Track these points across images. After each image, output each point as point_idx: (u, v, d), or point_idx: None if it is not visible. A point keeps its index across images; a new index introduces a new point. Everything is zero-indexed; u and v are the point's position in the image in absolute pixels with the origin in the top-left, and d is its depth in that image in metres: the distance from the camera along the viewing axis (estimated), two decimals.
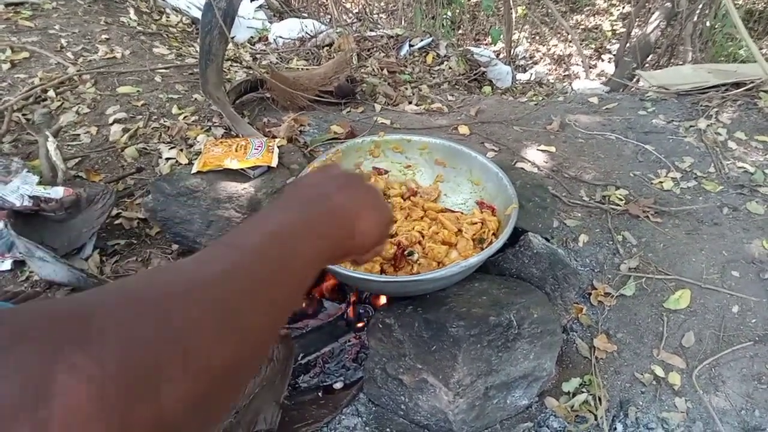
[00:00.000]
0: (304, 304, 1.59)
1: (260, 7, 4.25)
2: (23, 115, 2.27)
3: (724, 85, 2.61)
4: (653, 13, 4.98)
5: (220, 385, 0.33)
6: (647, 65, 4.83)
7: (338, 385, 1.43)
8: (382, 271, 1.34)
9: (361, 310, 1.56)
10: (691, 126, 2.30)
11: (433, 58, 3.55)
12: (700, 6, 4.54)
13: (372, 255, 0.66)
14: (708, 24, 4.81)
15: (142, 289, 0.34)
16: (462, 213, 1.53)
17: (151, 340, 0.30)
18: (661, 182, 1.97)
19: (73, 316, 0.29)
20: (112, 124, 2.28)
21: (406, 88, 2.94)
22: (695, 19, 4.62)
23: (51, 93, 2.41)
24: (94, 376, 0.26)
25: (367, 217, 0.58)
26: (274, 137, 1.99)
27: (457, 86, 3.33)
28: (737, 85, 2.58)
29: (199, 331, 0.33)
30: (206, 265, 0.38)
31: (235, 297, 0.37)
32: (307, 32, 3.75)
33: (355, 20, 4.39)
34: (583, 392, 1.36)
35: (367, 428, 1.31)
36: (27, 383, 0.25)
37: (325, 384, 1.44)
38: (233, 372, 0.35)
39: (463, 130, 2.27)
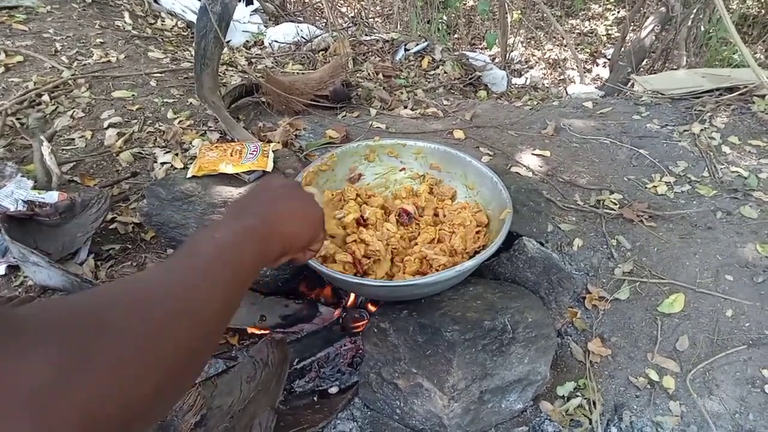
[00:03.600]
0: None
1: (256, 11, 4.26)
2: (17, 119, 2.26)
3: (717, 89, 2.63)
4: (648, 18, 5.01)
5: (182, 368, 0.44)
6: (642, 70, 4.86)
7: (333, 390, 1.43)
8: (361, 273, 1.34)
9: (356, 315, 1.56)
10: (685, 130, 2.31)
11: (428, 62, 3.55)
12: (695, 11, 4.57)
13: (309, 255, 0.81)
14: (702, 28, 4.84)
15: (134, 291, 0.46)
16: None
17: (128, 333, 0.40)
18: (655, 186, 1.98)
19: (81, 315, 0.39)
20: (107, 128, 2.27)
21: (402, 93, 2.95)
22: (689, 23, 4.65)
23: (45, 97, 2.41)
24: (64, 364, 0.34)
25: (294, 220, 0.72)
26: (270, 142, 1.99)
27: (452, 91, 3.34)
28: (731, 89, 2.59)
29: (175, 321, 0.44)
30: (170, 273, 0.51)
31: (195, 293, 0.48)
32: (302, 36, 3.75)
33: (350, 25, 4.40)
34: (577, 396, 1.37)
35: None
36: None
37: (320, 388, 1.44)
38: (191, 357, 0.46)
39: (458, 134, 2.28)
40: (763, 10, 5.81)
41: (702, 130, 2.29)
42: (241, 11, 3.99)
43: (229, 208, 0.70)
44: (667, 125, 2.37)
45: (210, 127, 2.33)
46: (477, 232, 1.41)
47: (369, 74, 3.17)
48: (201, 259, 0.53)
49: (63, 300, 0.42)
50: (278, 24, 4.19)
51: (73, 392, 0.33)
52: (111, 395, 0.36)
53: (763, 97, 2.47)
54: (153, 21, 3.71)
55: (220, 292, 0.52)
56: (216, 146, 1.81)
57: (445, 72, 3.50)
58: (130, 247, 1.79)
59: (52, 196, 1.66)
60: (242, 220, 0.64)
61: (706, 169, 2.08)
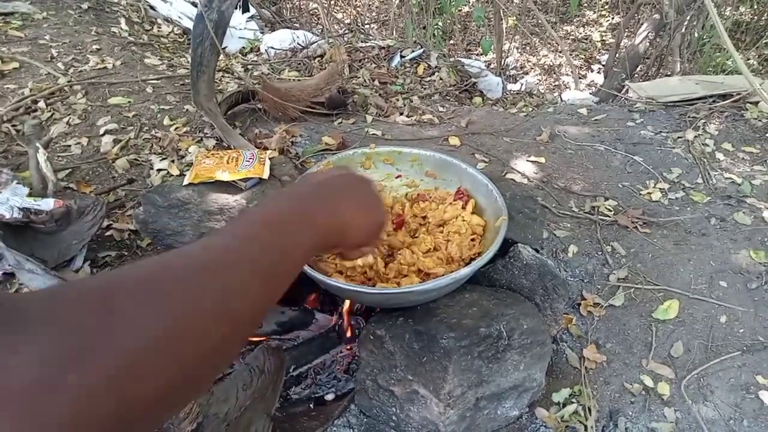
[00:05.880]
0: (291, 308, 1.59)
1: (252, 17, 4.27)
2: (13, 126, 2.26)
3: (711, 96, 2.65)
4: (642, 24, 5.04)
5: (197, 370, 0.37)
6: (636, 76, 4.88)
7: (330, 397, 1.43)
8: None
9: (352, 322, 1.57)
10: (679, 137, 2.33)
11: (424, 69, 3.57)
12: (688, 17, 4.60)
13: (358, 254, 0.74)
14: (696, 35, 4.87)
15: (152, 272, 0.38)
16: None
17: (156, 320, 0.34)
18: (650, 193, 1.99)
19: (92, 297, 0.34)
20: (103, 135, 2.27)
21: (398, 99, 2.96)
22: (683, 30, 4.68)
23: (41, 104, 2.41)
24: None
25: (357, 219, 0.64)
26: (266, 149, 2.00)
27: (447, 97, 3.35)
28: (724, 96, 2.61)
29: (198, 313, 0.37)
30: (208, 252, 0.43)
31: (230, 280, 0.41)
32: (298, 43, 3.76)
33: (346, 31, 4.42)
34: (573, 402, 1.37)
35: None
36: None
37: (316, 396, 1.44)
38: (210, 357, 0.38)
39: (454, 141, 2.29)
40: (756, 17, 5.84)
41: (696, 136, 2.31)
42: (238, 18, 4.00)
43: (290, 187, 0.62)
44: (661, 132, 2.38)
45: (206, 134, 2.33)
46: (472, 240, 1.41)
47: (365, 81, 3.18)
48: (244, 241, 0.46)
49: (71, 284, 0.36)
50: (274, 30, 4.20)
51: (65, 390, 0.29)
52: (109, 396, 0.31)
53: (756, 104, 2.49)
54: (149, 27, 3.72)
55: (259, 282, 0.44)
56: (212, 153, 1.82)
57: (441, 78, 3.51)
58: (126, 254, 1.79)
59: (48, 203, 1.66)
60: (302, 203, 0.58)
61: (700, 175, 2.09)
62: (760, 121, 2.41)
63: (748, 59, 5.20)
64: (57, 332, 0.30)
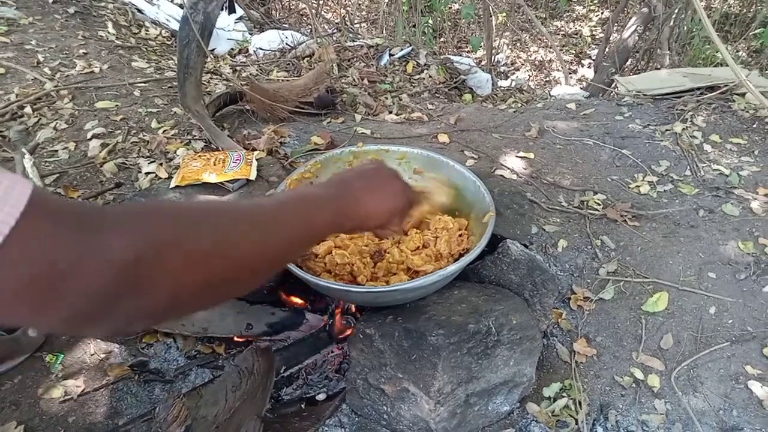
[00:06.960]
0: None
1: (240, 19, 4.26)
2: None
3: (699, 88, 2.65)
4: (631, 18, 5.05)
5: (231, 278, 0.53)
6: (626, 69, 4.90)
7: (321, 397, 1.43)
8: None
9: (342, 321, 1.56)
10: (667, 130, 2.33)
11: (413, 67, 3.57)
12: (677, 10, 4.61)
13: (388, 232, 0.91)
14: (685, 28, 4.88)
15: (214, 209, 0.56)
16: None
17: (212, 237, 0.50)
18: (638, 186, 2.00)
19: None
20: (90, 139, 2.26)
21: (387, 98, 2.95)
22: (672, 23, 4.69)
23: (28, 109, 2.39)
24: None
25: (373, 203, 0.79)
26: (254, 150, 1.99)
27: (437, 95, 3.35)
28: (712, 88, 2.62)
29: (244, 244, 0.54)
30: (259, 207, 0.62)
31: (264, 226, 0.59)
32: (287, 44, 3.76)
33: (335, 31, 4.41)
34: (563, 397, 1.37)
35: None
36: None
37: (307, 396, 1.44)
38: (241, 274, 0.55)
39: (443, 138, 2.29)
40: (744, 9, 5.86)
41: (684, 129, 2.32)
42: (226, 19, 3.98)
43: (330, 177, 0.82)
44: (649, 125, 2.39)
45: (194, 136, 2.32)
46: (460, 235, 1.41)
47: (354, 80, 3.18)
48: (282, 206, 0.64)
49: (148, 202, 0.52)
50: (263, 31, 4.19)
51: (153, 265, 0.43)
52: (175, 275, 0.45)
53: (743, 95, 2.50)
54: (137, 30, 3.70)
55: (286, 236, 0.61)
56: (199, 156, 1.82)
57: (430, 76, 3.51)
58: None
59: None
60: (328, 189, 0.75)
61: (688, 167, 2.10)
62: (747, 112, 2.42)
63: (737, 51, 5.22)
64: (143, 229, 0.44)
